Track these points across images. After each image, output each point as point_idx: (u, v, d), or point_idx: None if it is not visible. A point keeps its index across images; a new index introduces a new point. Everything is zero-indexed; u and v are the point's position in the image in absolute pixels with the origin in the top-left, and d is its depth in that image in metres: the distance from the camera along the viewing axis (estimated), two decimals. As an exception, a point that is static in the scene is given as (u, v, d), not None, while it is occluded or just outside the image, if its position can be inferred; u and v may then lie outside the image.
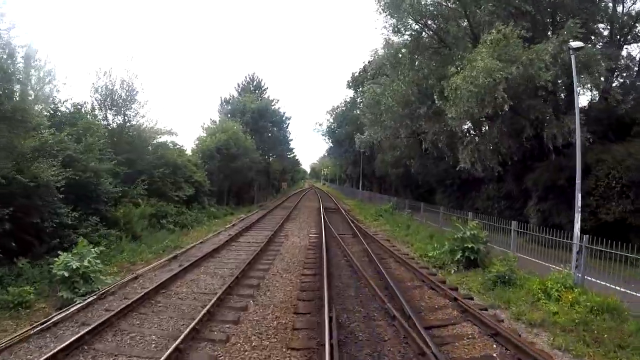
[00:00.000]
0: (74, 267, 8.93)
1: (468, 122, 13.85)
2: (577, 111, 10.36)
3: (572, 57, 10.63)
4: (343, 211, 27.40)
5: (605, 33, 18.28)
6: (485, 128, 18.77)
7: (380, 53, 28.91)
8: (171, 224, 18.41)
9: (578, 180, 10.07)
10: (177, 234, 17.29)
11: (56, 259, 9.18)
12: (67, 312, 7.82)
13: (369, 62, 43.89)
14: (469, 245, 11.23)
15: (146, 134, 19.54)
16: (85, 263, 9.13)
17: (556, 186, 15.64)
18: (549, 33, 17.04)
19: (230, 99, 41.92)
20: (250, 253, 12.53)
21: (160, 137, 20.96)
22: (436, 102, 16.78)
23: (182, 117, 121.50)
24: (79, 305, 8.23)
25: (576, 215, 10.07)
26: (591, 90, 17.86)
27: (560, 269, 9.39)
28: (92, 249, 9.69)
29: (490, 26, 15.10)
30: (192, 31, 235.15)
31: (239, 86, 44.97)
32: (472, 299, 8.91)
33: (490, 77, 12.23)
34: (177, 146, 23.51)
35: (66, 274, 8.79)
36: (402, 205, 24.25)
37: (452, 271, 11.24)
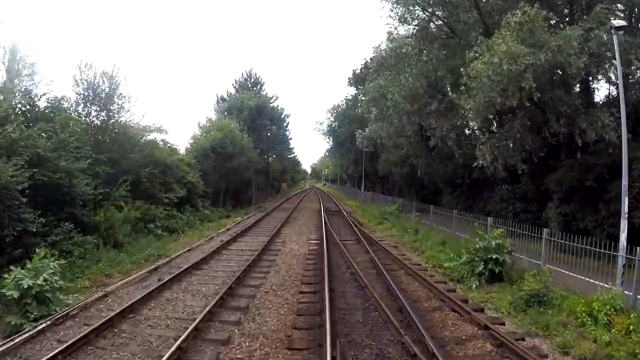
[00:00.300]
0: (26, 286, 7.47)
1: (485, 116, 12.27)
2: (622, 101, 8.92)
3: (615, 37, 9.22)
4: (345, 213, 25.89)
5: (624, 23, 16.90)
6: (494, 125, 17.30)
7: (383, 48, 27.43)
8: (159, 229, 16.96)
9: (625, 182, 8.59)
10: (164, 240, 15.84)
11: (6, 275, 7.75)
12: (11, 344, 6.36)
13: (371, 58, 42.47)
14: (493, 257, 9.72)
15: (132, 130, 18.06)
16: (40, 281, 7.65)
17: (582, 187, 14.14)
18: (564, 24, 15.65)
19: (227, 96, 40.34)
20: (242, 263, 11.05)
21: (148, 135, 19.50)
22: (449, 94, 15.28)
23: (179, 117, 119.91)
24: (27, 335, 6.76)
25: (622, 222, 8.59)
26: (609, 82, 16.37)
27: (609, 286, 7.91)
28: (51, 263, 8.20)
29: (504, 13, 13.66)
30: (189, 29, 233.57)
31: (236, 82, 43.39)
32: (503, 324, 7.41)
33: (515, 63, 10.72)
34: (169, 144, 22.09)
35: (16, 295, 7.33)
36: (408, 208, 22.71)
37: (474, 286, 9.73)
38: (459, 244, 13.07)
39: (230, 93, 41.03)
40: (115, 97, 17.79)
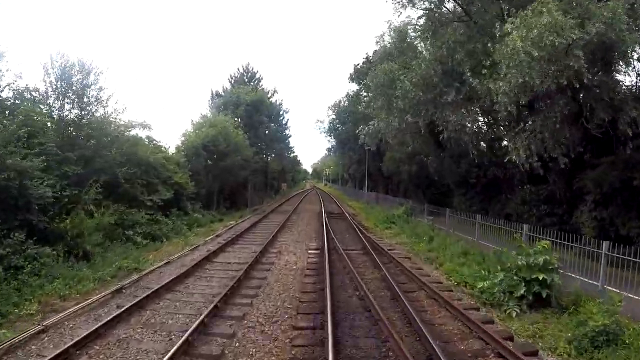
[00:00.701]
0: None
1: (518, 102, 10.19)
2: None
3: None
4: (348, 216, 23.90)
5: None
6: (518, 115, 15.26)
7: (386, 40, 25.43)
8: (139, 236, 14.98)
9: None
10: (143, 249, 13.92)
11: None
12: None
13: (374, 51, 40.48)
14: (540, 277, 7.74)
15: (111, 125, 16.10)
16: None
17: (626, 187, 12.16)
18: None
19: (223, 92, 38.11)
20: (225, 283, 9.09)
21: (130, 130, 17.51)
22: (468, 82, 13.25)
23: (174, 115, 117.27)
24: None
25: None
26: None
27: None
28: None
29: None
30: (185, 25, 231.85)
31: (231, 78, 41.18)
32: (570, 376, 5.43)
33: (560, 37, 8.73)
34: (154, 142, 20.11)
35: None
36: (417, 210, 20.67)
37: (514, 314, 7.74)
38: (485, 255, 11.12)
39: (226, 88, 38.90)
40: (92, 88, 15.90)
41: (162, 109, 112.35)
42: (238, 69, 41.61)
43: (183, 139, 25.05)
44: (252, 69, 41.51)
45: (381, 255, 12.53)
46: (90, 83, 15.81)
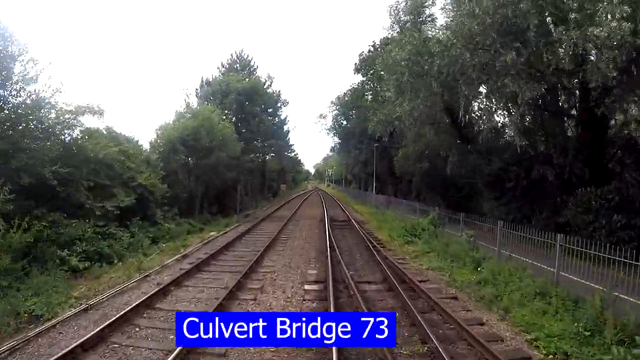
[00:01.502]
0: None
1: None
2: None
3: None
4: (356, 224, 19.80)
5: None
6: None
7: (401, 6, 21.69)
8: (76, 257, 11.07)
9: None
10: (77, 277, 10.05)
11: None
12: None
13: (381, 39, 36.65)
14: None
15: (40, 110, 12.14)
16: None
17: None
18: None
19: (212, 81, 33.84)
20: (153, 365, 5.11)
21: (76, 117, 13.54)
22: (532, 42, 9.25)
23: (168, 112, 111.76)
24: None
25: None
26: None
27: None
28: None
29: None
30: (183, 17, 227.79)
31: (222, 66, 36.82)
32: None
33: None
34: (114, 133, 16.17)
35: None
36: (445, 219, 16.46)
37: None
38: (582, 299, 7.08)
39: (216, 77, 34.60)
40: (18, 60, 12.00)
41: (157, 106, 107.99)
42: (231, 55, 37.26)
43: (159, 132, 21.05)
44: (247, 57, 37.11)
45: (413, 293, 8.49)
46: (15, 53, 11.94)
